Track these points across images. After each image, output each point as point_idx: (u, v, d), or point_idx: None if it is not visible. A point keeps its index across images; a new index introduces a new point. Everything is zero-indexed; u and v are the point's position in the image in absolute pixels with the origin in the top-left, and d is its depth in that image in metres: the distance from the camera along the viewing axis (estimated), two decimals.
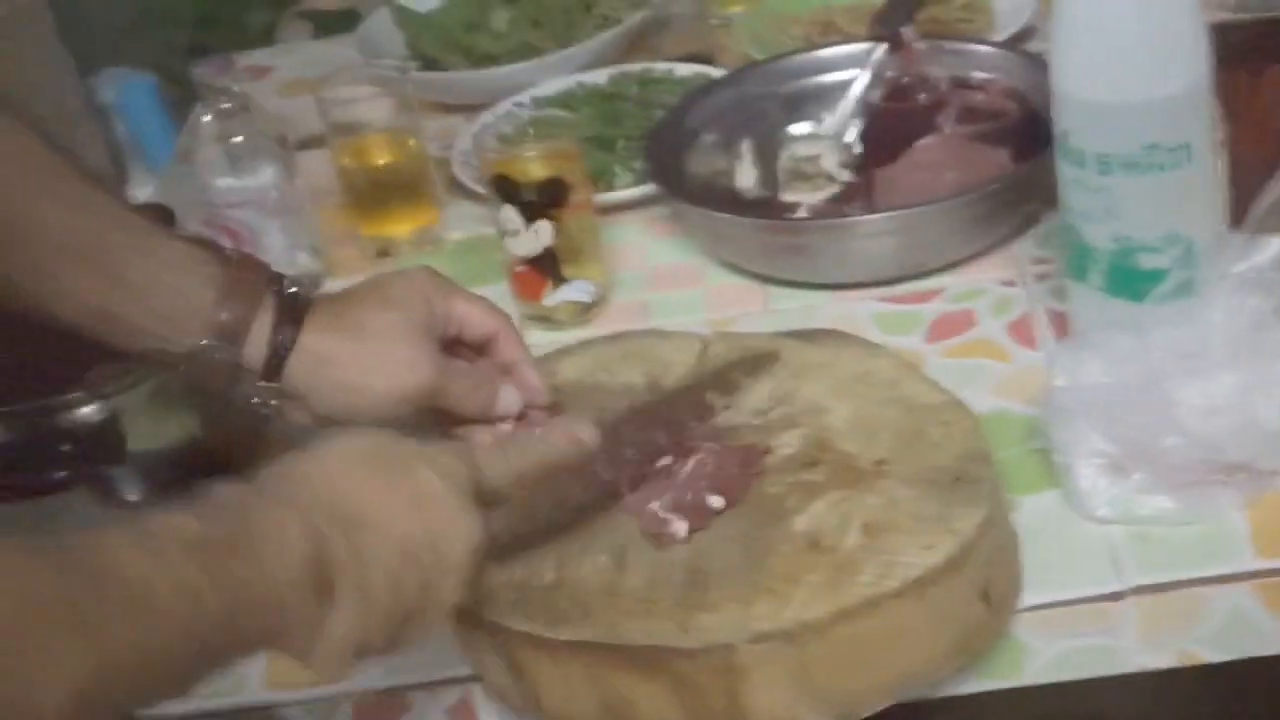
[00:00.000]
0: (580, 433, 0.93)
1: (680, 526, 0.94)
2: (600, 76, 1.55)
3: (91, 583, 0.66)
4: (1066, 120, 1.03)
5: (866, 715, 0.90)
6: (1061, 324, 1.18)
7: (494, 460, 0.89)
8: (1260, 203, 1.09)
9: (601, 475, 0.98)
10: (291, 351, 0.97)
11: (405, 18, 1.71)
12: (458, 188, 1.48)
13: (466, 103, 1.60)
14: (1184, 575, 0.97)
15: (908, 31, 1.38)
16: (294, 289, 0.98)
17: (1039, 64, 1.35)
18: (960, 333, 1.20)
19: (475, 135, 1.46)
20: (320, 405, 0.98)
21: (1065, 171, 1.05)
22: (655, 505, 0.95)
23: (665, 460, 0.99)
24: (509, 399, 1.01)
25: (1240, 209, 1.09)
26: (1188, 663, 0.99)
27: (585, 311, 1.28)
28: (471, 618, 0.93)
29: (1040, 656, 0.98)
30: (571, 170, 1.24)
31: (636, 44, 1.64)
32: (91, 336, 0.94)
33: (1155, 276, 1.05)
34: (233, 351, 0.96)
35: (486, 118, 1.51)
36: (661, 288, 1.32)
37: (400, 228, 1.42)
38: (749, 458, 0.98)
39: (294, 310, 0.97)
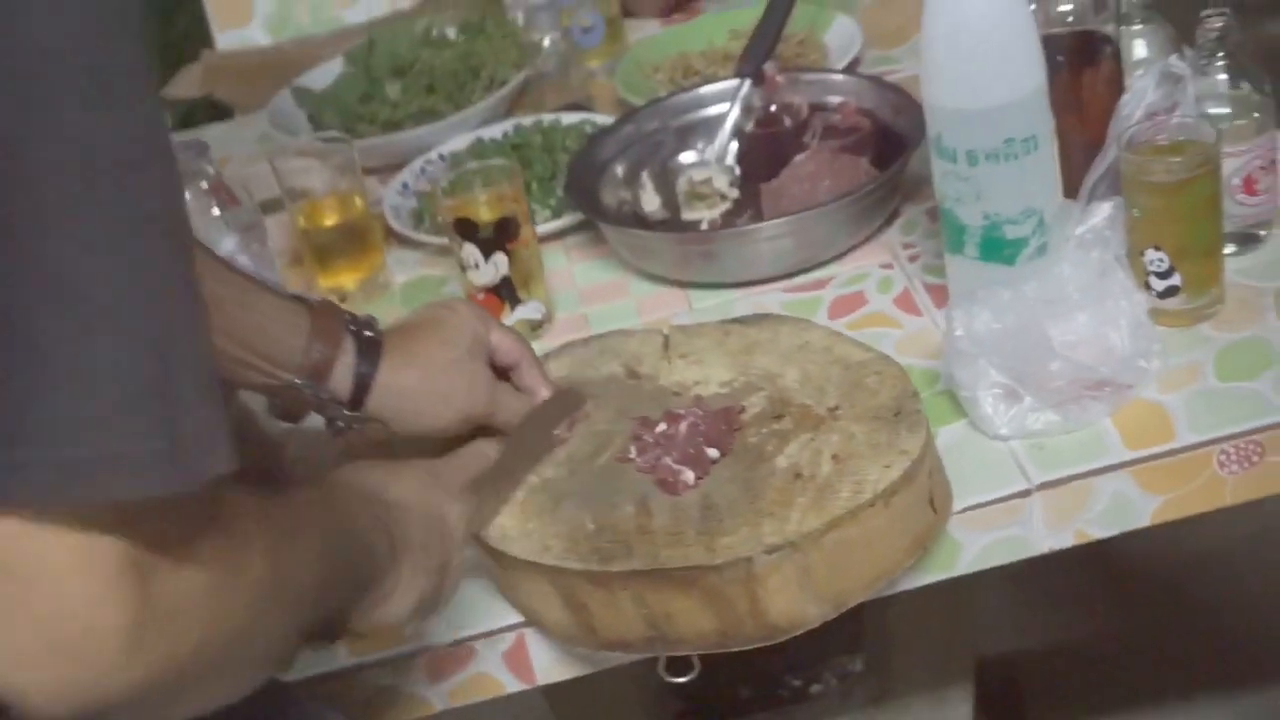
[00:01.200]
0: (487, 449, 1.22)
1: (689, 475, 1.18)
2: (496, 131, 1.78)
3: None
4: (938, 125, 1.29)
5: (852, 605, 1.15)
6: (936, 294, 1.44)
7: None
8: (1090, 177, 1.36)
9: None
10: (372, 386, 1.19)
11: (304, 96, 1.92)
12: (392, 237, 1.69)
13: (376, 164, 1.81)
14: (1075, 470, 1.23)
15: (770, 67, 1.64)
16: (368, 329, 1.20)
17: (881, 85, 1.63)
18: (856, 310, 1.46)
19: (411, 188, 1.69)
20: (397, 427, 1.21)
21: (939, 166, 1.31)
22: (667, 460, 1.18)
23: (661, 427, 1.22)
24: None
25: (1072, 183, 1.36)
26: (1083, 540, 1.26)
27: (538, 328, 1.50)
28: (531, 567, 1.16)
29: (970, 550, 1.24)
30: (519, 208, 1.46)
31: (518, 100, 1.87)
32: None
33: (1019, 244, 1.31)
34: (324, 389, 1.18)
35: (406, 174, 1.73)
36: (594, 302, 1.55)
37: (351, 278, 1.62)
38: (729, 416, 1.22)
39: (369, 348, 1.20)
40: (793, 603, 1.12)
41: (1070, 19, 1.37)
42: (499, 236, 1.45)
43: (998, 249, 1.32)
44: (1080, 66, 1.37)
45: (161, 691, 0.76)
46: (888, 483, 1.14)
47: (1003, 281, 1.30)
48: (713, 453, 1.19)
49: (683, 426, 1.21)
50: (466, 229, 1.45)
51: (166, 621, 0.75)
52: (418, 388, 1.20)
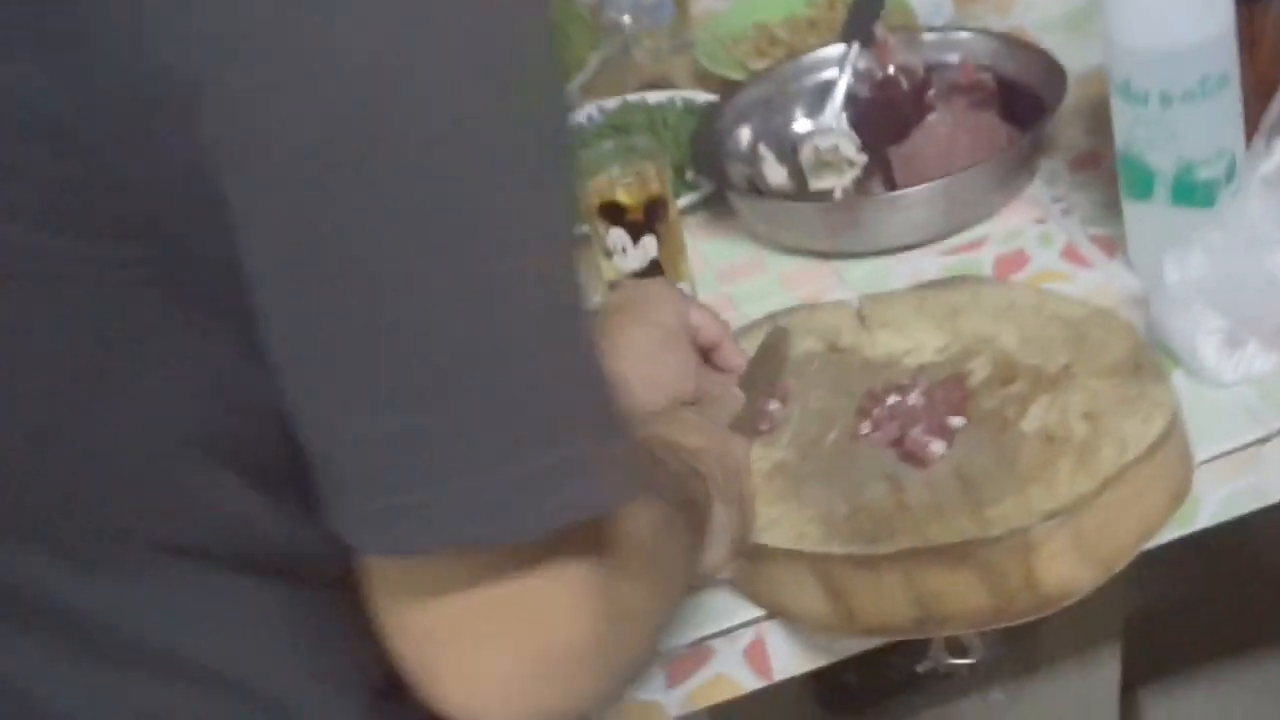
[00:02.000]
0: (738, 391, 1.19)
1: (938, 446, 1.12)
2: (579, 116, 1.71)
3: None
4: (1128, 68, 1.24)
5: (1119, 569, 1.10)
6: (1104, 245, 1.39)
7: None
8: (1268, 116, 1.32)
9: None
10: None
11: None
12: None
13: None
14: None
15: (879, 29, 1.59)
16: None
17: (999, 39, 1.59)
18: (1021, 268, 1.40)
19: None
20: None
21: (1124, 111, 1.27)
22: (915, 432, 1.12)
23: (893, 399, 1.16)
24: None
25: (1251, 121, 1.32)
26: None
27: None
28: (788, 555, 1.09)
29: (1209, 502, 1.19)
30: (663, 188, 1.40)
31: (590, 84, 1.80)
32: None
33: (1212, 185, 1.27)
34: None
35: None
36: (734, 280, 1.48)
37: None
38: (958, 383, 1.17)
39: None
40: (1066, 570, 1.07)
41: None
42: (649, 219, 1.39)
43: (1190, 192, 1.27)
44: (1249, 6, 1.33)
45: (603, 701, 0.72)
46: (1152, 437, 1.09)
47: (1194, 225, 1.26)
48: (957, 421, 1.14)
49: (914, 396, 1.16)
50: (614, 213, 1.39)
51: (620, 629, 0.73)
52: (626, 375, 1.13)
